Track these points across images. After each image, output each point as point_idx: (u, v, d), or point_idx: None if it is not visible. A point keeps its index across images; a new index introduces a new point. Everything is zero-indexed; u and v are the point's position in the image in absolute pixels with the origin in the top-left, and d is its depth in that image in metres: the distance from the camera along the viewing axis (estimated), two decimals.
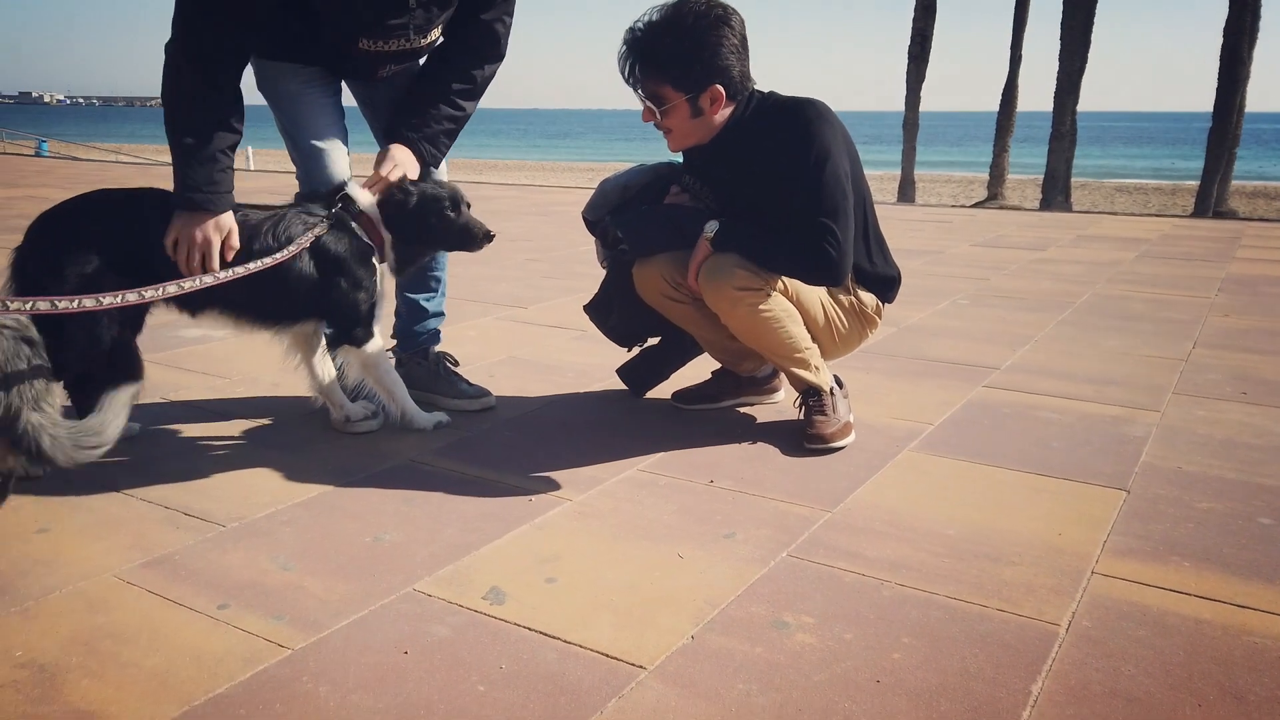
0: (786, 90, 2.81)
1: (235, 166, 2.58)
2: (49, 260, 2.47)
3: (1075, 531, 2.28)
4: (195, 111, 2.50)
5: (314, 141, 2.85)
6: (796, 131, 2.67)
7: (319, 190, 2.77)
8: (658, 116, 2.75)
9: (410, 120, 2.82)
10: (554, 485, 2.55)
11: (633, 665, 1.72)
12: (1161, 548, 2.20)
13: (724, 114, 2.74)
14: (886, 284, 2.98)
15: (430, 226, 2.75)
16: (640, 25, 2.71)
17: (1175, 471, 2.66)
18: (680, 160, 3.05)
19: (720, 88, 2.68)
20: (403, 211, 2.72)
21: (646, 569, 2.08)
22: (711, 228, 2.73)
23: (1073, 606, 1.93)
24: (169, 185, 2.56)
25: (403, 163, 2.77)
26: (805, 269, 2.73)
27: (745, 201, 2.80)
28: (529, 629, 1.84)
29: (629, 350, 3.30)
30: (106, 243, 2.48)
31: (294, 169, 2.89)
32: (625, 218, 2.94)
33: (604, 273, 3.17)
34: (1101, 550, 2.18)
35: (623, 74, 2.77)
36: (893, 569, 2.08)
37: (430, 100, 2.82)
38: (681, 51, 2.64)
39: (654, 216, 2.94)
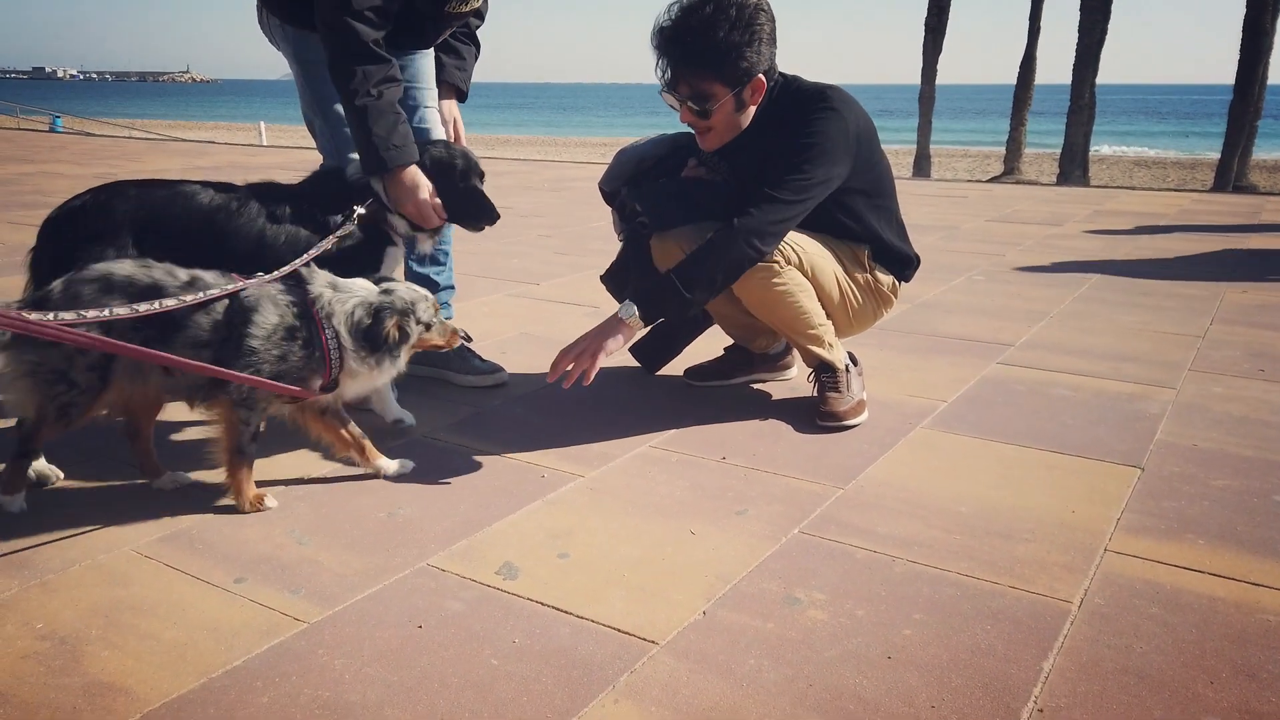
0: (809, 75, 2.77)
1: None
2: (64, 258, 2.40)
3: (1089, 509, 2.27)
4: (369, 70, 2.55)
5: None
6: (805, 119, 2.64)
7: (341, 169, 2.70)
8: (701, 116, 2.66)
9: (456, 63, 3.13)
10: (566, 461, 2.55)
11: (644, 640, 1.73)
12: (1176, 525, 2.19)
13: (756, 105, 2.71)
14: (904, 262, 2.96)
15: (446, 195, 2.69)
16: (674, 21, 2.59)
17: (1191, 449, 2.64)
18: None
19: (762, 78, 2.64)
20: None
21: (658, 545, 2.09)
22: (629, 312, 2.53)
23: (1085, 584, 1.93)
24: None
25: (458, 118, 3.13)
26: (724, 250, 2.55)
27: (759, 182, 2.78)
28: (542, 604, 1.85)
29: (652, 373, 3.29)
30: (122, 237, 2.45)
31: (312, 144, 2.85)
32: (643, 191, 2.92)
33: (619, 245, 3.16)
34: (1115, 528, 2.18)
35: (661, 75, 2.67)
36: (905, 546, 2.09)
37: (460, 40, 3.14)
38: (732, 44, 2.55)
39: (672, 190, 2.91)
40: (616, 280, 3.17)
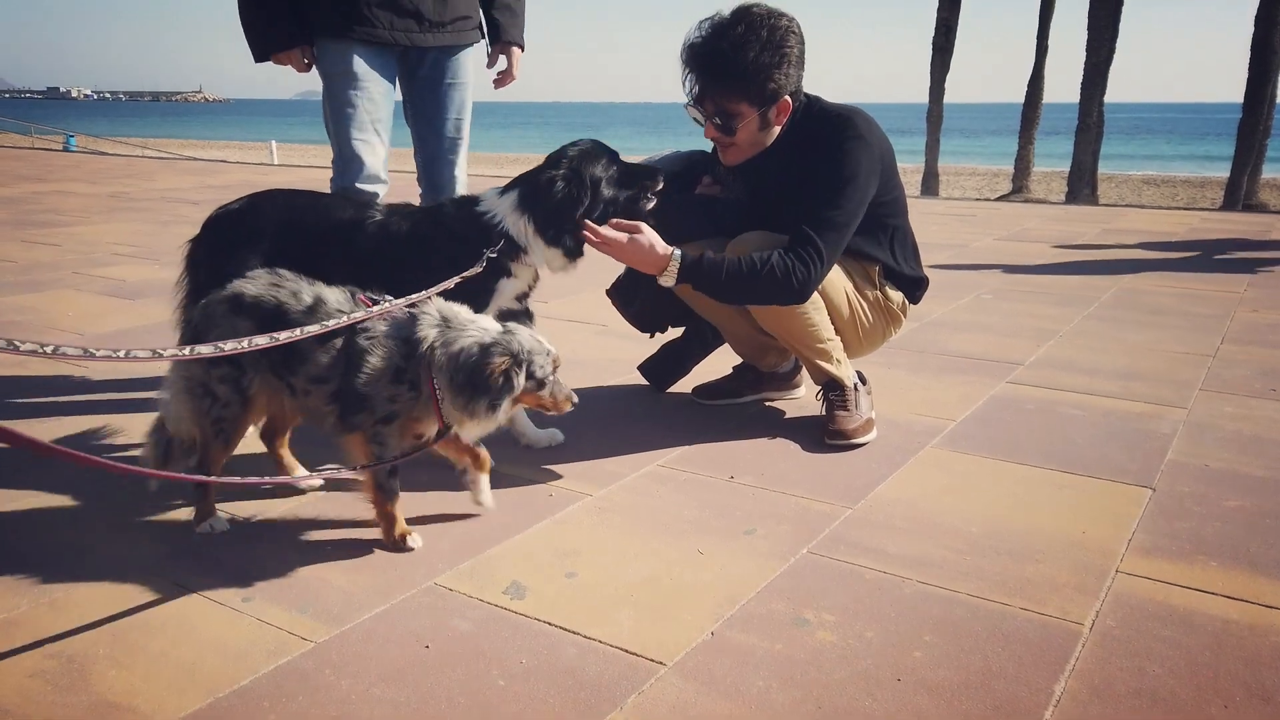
0: (818, 93, 2.78)
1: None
2: (214, 257, 2.63)
3: (1100, 529, 2.25)
4: None
5: (372, 130, 3.19)
6: (832, 148, 2.64)
7: (475, 199, 2.68)
8: (725, 133, 2.68)
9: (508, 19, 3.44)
10: (574, 479, 2.55)
11: (653, 661, 1.72)
12: (1188, 546, 2.17)
13: (780, 125, 2.72)
14: (913, 284, 2.96)
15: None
16: (704, 39, 2.61)
17: (1202, 469, 2.62)
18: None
19: (789, 99, 2.66)
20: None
21: (667, 564, 2.08)
22: (678, 257, 2.57)
23: (1097, 605, 1.92)
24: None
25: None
26: (772, 281, 2.56)
27: (774, 200, 2.79)
28: (549, 623, 1.85)
29: (650, 337, 3.29)
30: (266, 242, 2.59)
31: (321, 163, 2.90)
32: (656, 209, 2.93)
33: None
34: (1126, 548, 2.16)
35: (688, 93, 2.68)
36: (914, 566, 2.07)
37: None
38: (761, 66, 2.57)
39: (684, 205, 2.93)
40: (623, 294, 3.18)
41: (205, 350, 1.78)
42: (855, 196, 2.63)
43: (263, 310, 2.09)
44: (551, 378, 2.12)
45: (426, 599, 1.94)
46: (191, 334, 2.16)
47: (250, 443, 2.43)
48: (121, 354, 1.58)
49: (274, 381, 2.15)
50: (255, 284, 2.14)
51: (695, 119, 2.73)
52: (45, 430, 2.86)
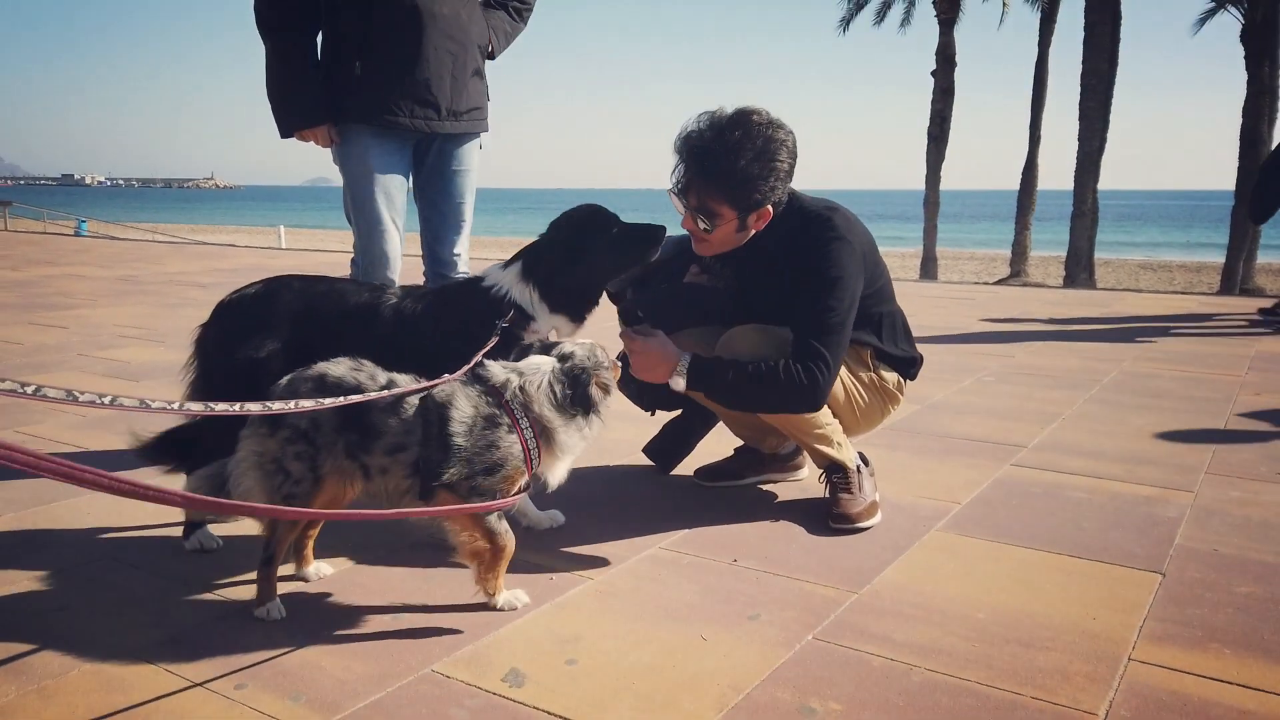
0: (816, 181, 2.84)
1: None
2: (227, 341, 2.62)
3: (1110, 616, 2.21)
4: None
5: (392, 223, 3.36)
6: (816, 248, 2.69)
7: (480, 279, 2.76)
8: (702, 227, 2.73)
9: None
10: (575, 563, 2.52)
11: None
12: (1201, 634, 2.13)
13: (760, 228, 2.76)
14: (907, 363, 2.98)
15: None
16: (702, 135, 2.66)
17: (1211, 554, 2.59)
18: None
19: (770, 209, 2.71)
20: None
21: (669, 651, 2.04)
22: (684, 363, 2.65)
23: (1110, 695, 1.87)
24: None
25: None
26: (787, 394, 2.61)
27: (759, 291, 2.82)
28: (549, 712, 1.80)
29: (651, 414, 3.29)
30: (282, 329, 2.60)
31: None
32: (646, 296, 2.96)
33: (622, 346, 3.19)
34: (1138, 636, 2.12)
35: (674, 181, 2.74)
36: (922, 654, 2.03)
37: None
38: (749, 176, 2.62)
39: (674, 295, 2.96)
40: (622, 378, 3.18)
41: (196, 408, 1.80)
42: (846, 296, 2.66)
43: (344, 390, 2.10)
44: (609, 365, 2.30)
45: (423, 687, 1.89)
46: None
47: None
48: (107, 400, 1.50)
49: (348, 465, 2.13)
50: (338, 367, 2.16)
51: (677, 209, 2.78)
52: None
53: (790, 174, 2.71)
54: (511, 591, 2.23)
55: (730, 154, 2.60)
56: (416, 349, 2.51)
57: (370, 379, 2.14)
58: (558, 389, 2.17)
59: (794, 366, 2.60)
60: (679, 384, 2.67)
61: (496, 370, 2.19)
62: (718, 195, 2.66)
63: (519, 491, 2.18)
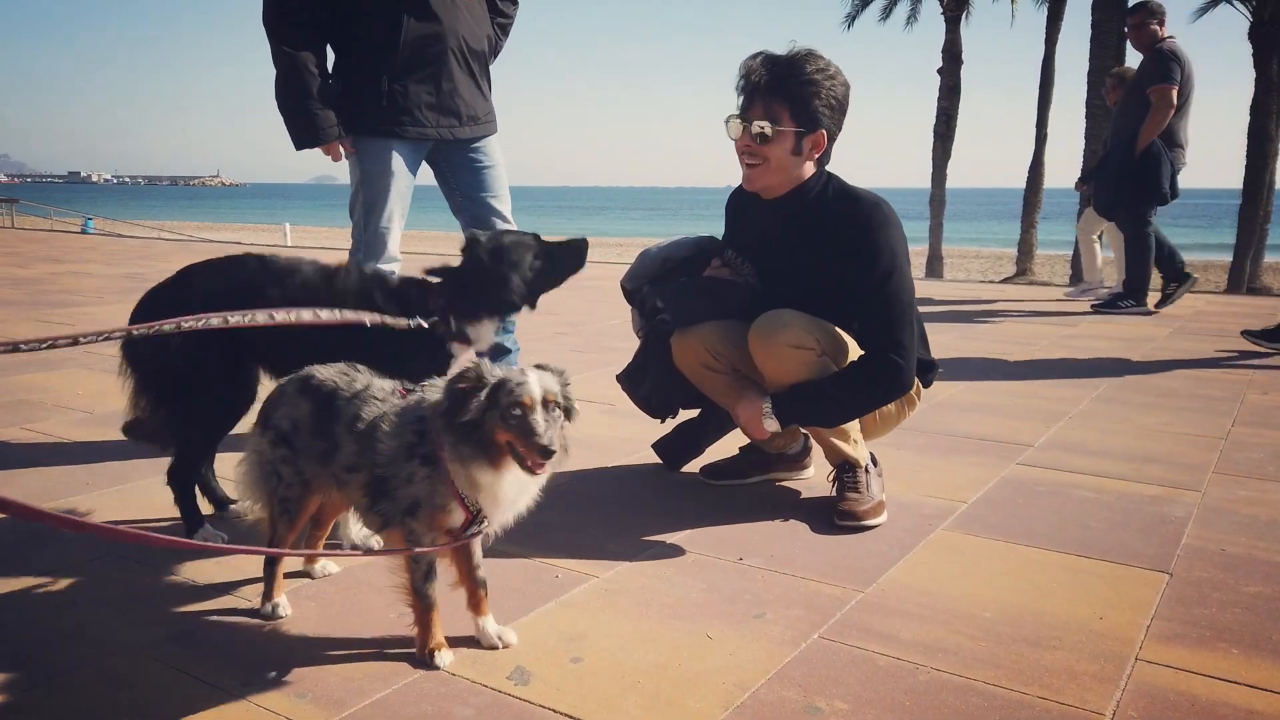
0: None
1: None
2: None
3: (1117, 615, 2.21)
4: None
5: (397, 219, 3.48)
6: (865, 236, 2.70)
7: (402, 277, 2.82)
8: (760, 139, 2.73)
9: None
10: (580, 561, 2.52)
11: None
12: (1209, 633, 2.12)
13: (808, 170, 2.78)
14: (925, 368, 2.97)
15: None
16: (768, 54, 2.76)
17: (1219, 553, 2.58)
18: (721, 236, 3.10)
19: (825, 137, 2.74)
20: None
21: (675, 649, 2.04)
22: (767, 405, 2.72)
23: (1117, 695, 1.86)
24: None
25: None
26: (876, 388, 2.71)
27: (787, 282, 2.81)
28: (554, 710, 1.80)
29: (660, 422, 3.28)
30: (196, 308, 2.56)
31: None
32: (665, 289, 2.96)
33: (636, 345, 3.18)
34: (1145, 635, 2.11)
35: (743, 86, 2.77)
36: (928, 653, 2.03)
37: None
38: (815, 84, 2.70)
39: (694, 288, 2.96)
40: (633, 380, 3.18)
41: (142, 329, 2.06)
42: (907, 279, 2.73)
43: (321, 392, 2.09)
44: (536, 416, 1.80)
45: (428, 684, 1.89)
46: (265, 409, 2.17)
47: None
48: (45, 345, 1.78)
49: (324, 473, 2.09)
50: (326, 370, 2.14)
51: (732, 135, 2.79)
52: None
53: (843, 111, 2.78)
54: (441, 655, 1.96)
55: (796, 63, 2.71)
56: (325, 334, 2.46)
57: (350, 382, 2.09)
58: (443, 391, 1.88)
59: (873, 360, 2.67)
60: (773, 425, 2.73)
61: (433, 392, 1.94)
62: (784, 100, 2.70)
63: (459, 536, 1.95)
